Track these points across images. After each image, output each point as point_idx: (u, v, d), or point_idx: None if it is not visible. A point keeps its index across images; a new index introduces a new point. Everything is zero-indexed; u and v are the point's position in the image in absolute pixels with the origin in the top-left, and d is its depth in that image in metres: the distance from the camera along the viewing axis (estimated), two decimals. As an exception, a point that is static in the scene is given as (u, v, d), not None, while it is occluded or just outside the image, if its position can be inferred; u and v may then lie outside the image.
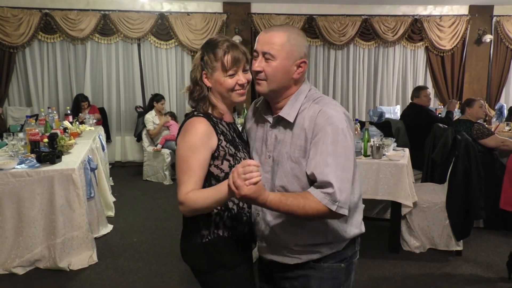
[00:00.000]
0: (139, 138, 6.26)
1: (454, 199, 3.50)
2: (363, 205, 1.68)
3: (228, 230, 1.58)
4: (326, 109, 1.44)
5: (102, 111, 6.73)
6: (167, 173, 5.90)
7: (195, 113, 1.57)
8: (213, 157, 1.53)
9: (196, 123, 1.52)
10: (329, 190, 1.35)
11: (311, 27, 7.31)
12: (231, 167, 1.54)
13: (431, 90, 7.80)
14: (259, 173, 1.28)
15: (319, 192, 1.36)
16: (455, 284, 3.17)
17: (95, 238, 3.68)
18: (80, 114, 5.76)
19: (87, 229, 3.36)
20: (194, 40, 6.91)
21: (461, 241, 3.58)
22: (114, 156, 6.99)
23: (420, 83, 7.71)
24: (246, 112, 1.76)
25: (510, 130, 4.76)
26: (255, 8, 7.20)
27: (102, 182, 4.49)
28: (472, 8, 7.60)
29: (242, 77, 1.55)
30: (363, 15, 7.36)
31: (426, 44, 7.58)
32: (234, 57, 1.53)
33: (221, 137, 1.54)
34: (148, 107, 6.26)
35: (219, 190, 1.40)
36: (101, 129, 5.59)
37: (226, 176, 1.50)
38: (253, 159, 1.61)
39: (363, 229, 1.60)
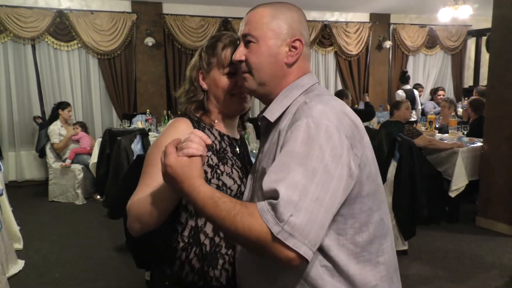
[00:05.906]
0: (42, 154, 5.39)
1: (400, 199, 3.56)
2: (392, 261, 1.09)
3: (194, 274, 1.20)
4: (314, 103, 0.99)
5: (-11, 123, 5.70)
6: (79, 191, 5.17)
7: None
8: None
9: (172, 122, 1.27)
10: (273, 201, 0.88)
11: (226, 30, 7.09)
12: (207, 181, 1.18)
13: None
14: (202, 148, 0.98)
15: (262, 203, 0.90)
16: (410, 286, 3.20)
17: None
18: None
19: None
20: (101, 42, 6.23)
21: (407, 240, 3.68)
22: (8, 175, 5.94)
23: (331, 86, 7.99)
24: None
25: (427, 129, 5.09)
26: (167, 8, 6.76)
27: (5, 209, 3.71)
28: (372, 16, 8.13)
29: None
30: (277, 19, 7.36)
31: (335, 49, 7.89)
32: (234, 52, 1.23)
33: None
34: (52, 117, 5.43)
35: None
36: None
37: None
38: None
39: None
